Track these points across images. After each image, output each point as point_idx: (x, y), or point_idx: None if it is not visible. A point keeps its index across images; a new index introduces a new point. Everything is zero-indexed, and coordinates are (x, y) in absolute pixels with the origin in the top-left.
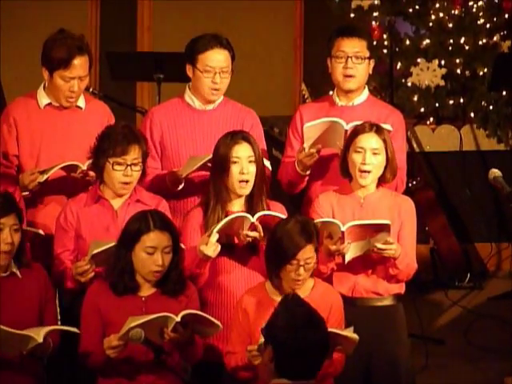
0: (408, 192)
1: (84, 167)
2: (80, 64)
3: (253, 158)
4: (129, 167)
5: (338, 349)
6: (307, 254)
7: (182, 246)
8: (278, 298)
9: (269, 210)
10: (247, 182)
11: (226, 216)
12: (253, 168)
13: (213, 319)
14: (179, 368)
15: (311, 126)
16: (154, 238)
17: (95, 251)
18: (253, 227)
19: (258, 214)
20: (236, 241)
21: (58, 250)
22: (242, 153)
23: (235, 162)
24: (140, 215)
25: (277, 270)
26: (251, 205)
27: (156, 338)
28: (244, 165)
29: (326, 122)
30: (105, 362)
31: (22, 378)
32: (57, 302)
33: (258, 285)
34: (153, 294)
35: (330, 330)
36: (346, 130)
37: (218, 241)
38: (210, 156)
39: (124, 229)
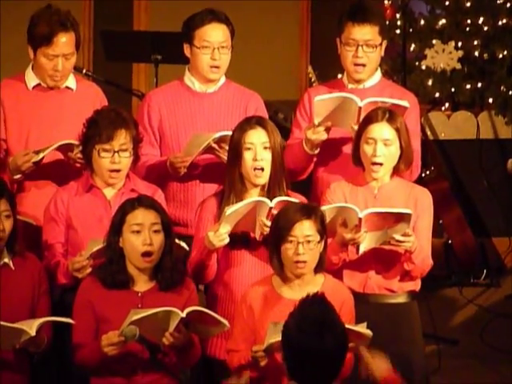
0: (421, 182)
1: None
2: (63, 41)
3: (268, 145)
4: (116, 154)
5: (350, 347)
6: (305, 230)
7: (182, 243)
8: (285, 293)
9: None
10: (262, 169)
11: None
12: (267, 155)
13: (220, 318)
14: (176, 368)
15: (322, 101)
16: (138, 215)
17: (94, 249)
18: (271, 216)
19: (276, 200)
20: (252, 235)
21: (48, 241)
22: (256, 139)
23: (248, 149)
24: (127, 200)
25: (276, 252)
26: (268, 195)
27: (152, 337)
28: (258, 151)
29: (339, 98)
30: (99, 360)
31: (10, 376)
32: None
33: (264, 278)
34: (150, 289)
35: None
36: (360, 108)
37: (232, 231)
38: (216, 135)
39: (112, 218)
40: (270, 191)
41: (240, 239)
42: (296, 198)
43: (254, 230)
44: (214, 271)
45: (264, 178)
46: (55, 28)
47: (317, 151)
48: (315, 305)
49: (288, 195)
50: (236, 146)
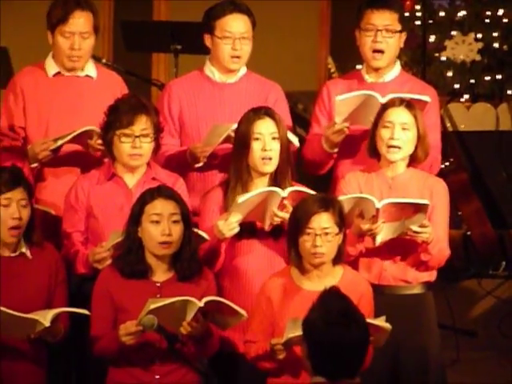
0: (440, 174)
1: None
2: (79, 19)
3: (276, 135)
4: (137, 139)
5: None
6: (323, 222)
7: (201, 233)
8: (305, 284)
9: None
10: (270, 159)
11: None
12: (276, 145)
13: (237, 308)
14: (194, 358)
15: (344, 100)
16: (157, 205)
17: (115, 241)
18: (282, 207)
19: (288, 189)
20: (258, 225)
21: (67, 230)
22: (265, 129)
23: (257, 139)
24: (146, 190)
25: (294, 244)
26: (274, 185)
27: (171, 326)
28: (267, 141)
29: (360, 96)
30: (117, 349)
31: (25, 367)
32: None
33: (283, 270)
34: (169, 279)
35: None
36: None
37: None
38: (235, 126)
39: (132, 207)
40: (276, 181)
41: (246, 229)
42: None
43: (262, 219)
44: (221, 262)
45: (272, 167)
46: (71, 7)
47: (336, 150)
48: (336, 297)
49: (292, 186)
50: (244, 137)
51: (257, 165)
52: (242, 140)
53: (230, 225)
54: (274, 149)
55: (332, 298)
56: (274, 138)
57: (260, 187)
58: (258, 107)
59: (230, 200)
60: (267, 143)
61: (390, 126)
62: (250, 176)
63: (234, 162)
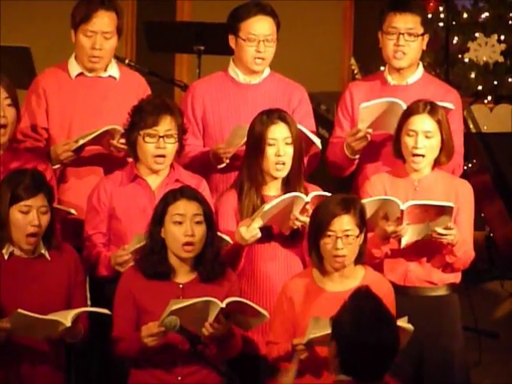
0: (463, 175)
1: (123, 130)
2: (103, 19)
3: (290, 140)
4: (161, 139)
5: None
6: (344, 224)
7: (224, 236)
8: (327, 285)
9: (306, 193)
10: (284, 163)
11: (262, 201)
12: (290, 149)
13: (260, 309)
14: (216, 360)
15: (368, 107)
16: (180, 206)
17: (137, 245)
18: (303, 211)
19: (311, 194)
20: (275, 228)
21: (89, 231)
22: (279, 134)
23: (271, 144)
24: (169, 191)
25: (315, 246)
26: (288, 188)
27: (193, 327)
28: (280, 147)
29: (384, 103)
30: (139, 351)
31: (44, 369)
32: (87, 285)
33: (304, 271)
34: (191, 280)
35: None
36: None
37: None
38: None
39: (155, 208)
40: (289, 183)
41: (264, 232)
42: (312, 190)
43: (282, 223)
44: (241, 266)
45: (285, 171)
46: (95, 6)
47: (357, 156)
48: (369, 299)
49: (305, 187)
50: (258, 141)
51: (270, 169)
52: (255, 144)
53: (252, 231)
54: (288, 153)
55: (365, 299)
56: (287, 143)
57: (273, 190)
58: (271, 110)
59: (245, 204)
60: (281, 149)
61: (413, 134)
62: (264, 179)
63: (248, 165)
